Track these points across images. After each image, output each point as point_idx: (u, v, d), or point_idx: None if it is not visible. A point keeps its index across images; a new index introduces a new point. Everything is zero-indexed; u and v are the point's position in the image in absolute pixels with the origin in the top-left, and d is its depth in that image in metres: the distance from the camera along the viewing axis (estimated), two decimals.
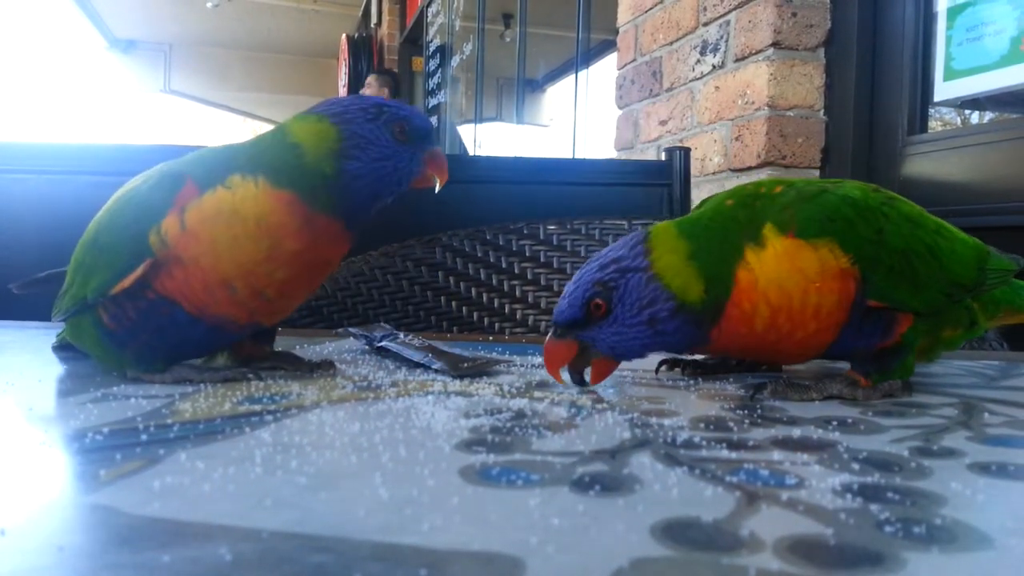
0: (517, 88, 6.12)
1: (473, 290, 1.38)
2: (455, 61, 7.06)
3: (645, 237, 0.64)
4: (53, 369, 0.74)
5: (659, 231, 0.64)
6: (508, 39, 6.19)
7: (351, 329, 0.94)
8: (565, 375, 0.65)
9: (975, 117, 2.04)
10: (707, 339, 0.63)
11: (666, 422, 0.54)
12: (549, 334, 0.65)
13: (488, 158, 1.74)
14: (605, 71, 3.99)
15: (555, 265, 1.35)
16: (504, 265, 1.37)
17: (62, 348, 0.80)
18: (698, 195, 2.07)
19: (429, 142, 0.70)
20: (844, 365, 0.68)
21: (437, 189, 0.71)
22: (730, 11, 2.26)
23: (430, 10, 7.69)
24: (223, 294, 0.65)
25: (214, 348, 0.74)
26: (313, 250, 0.67)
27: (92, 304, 0.67)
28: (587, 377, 0.66)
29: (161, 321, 0.66)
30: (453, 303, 1.37)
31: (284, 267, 0.66)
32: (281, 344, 0.90)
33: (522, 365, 0.79)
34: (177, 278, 0.64)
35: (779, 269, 0.60)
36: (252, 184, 0.65)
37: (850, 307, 0.61)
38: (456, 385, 0.67)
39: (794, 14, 2.10)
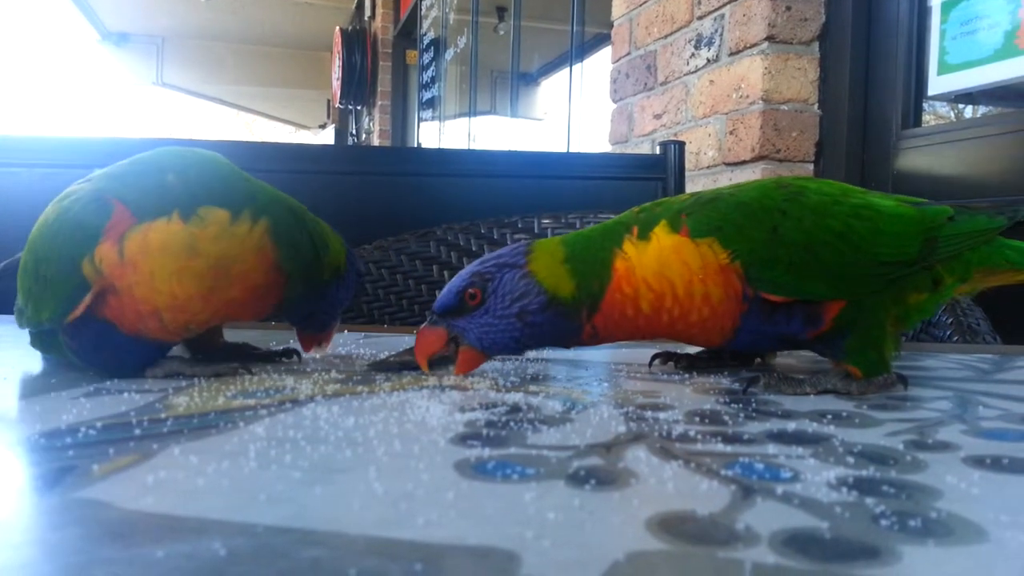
0: (511, 82, 6.11)
1: None
2: (449, 54, 7.04)
3: (529, 243, 0.69)
4: (44, 364, 0.73)
5: (543, 241, 0.69)
6: (502, 32, 6.17)
7: None
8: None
9: (969, 111, 2.04)
10: (581, 331, 0.66)
11: (661, 416, 0.54)
12: (425, 321, 0.68)
13: (482, 152, 1.74)
14: (600, 65, 3.99)
15: None
16: None
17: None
18: (692, 189, 2.07)
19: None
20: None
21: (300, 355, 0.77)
22: (724, 5, 2.25)
23: (424, 3, 7.67)
24: (153, 323, 0.65)
25: (161, 355, 0.73)
26: (253, 301, 0.69)
27: (51, 330, 0.67)
28: (451, 368, 0.69)
29: (110, 340, 0.66)
30: None
31: (214, 305, 0.66)
32: (275, 339, 0.89)
33: (516, 359, 0.79)
34: (111, 305, 0.64)
35: (659, 259, 0.64)
36: (247, 226, 0.65)
37: (740, 299, 0.64)
38: (451, 379, 0.67)
39: (788, 8, 2.10)
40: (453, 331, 0.67)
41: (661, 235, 0.65)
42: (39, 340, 0.73)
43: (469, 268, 0.68)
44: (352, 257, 0.76)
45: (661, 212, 0.67)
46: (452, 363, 0.71)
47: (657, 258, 0.64)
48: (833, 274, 0.64)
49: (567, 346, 0.71)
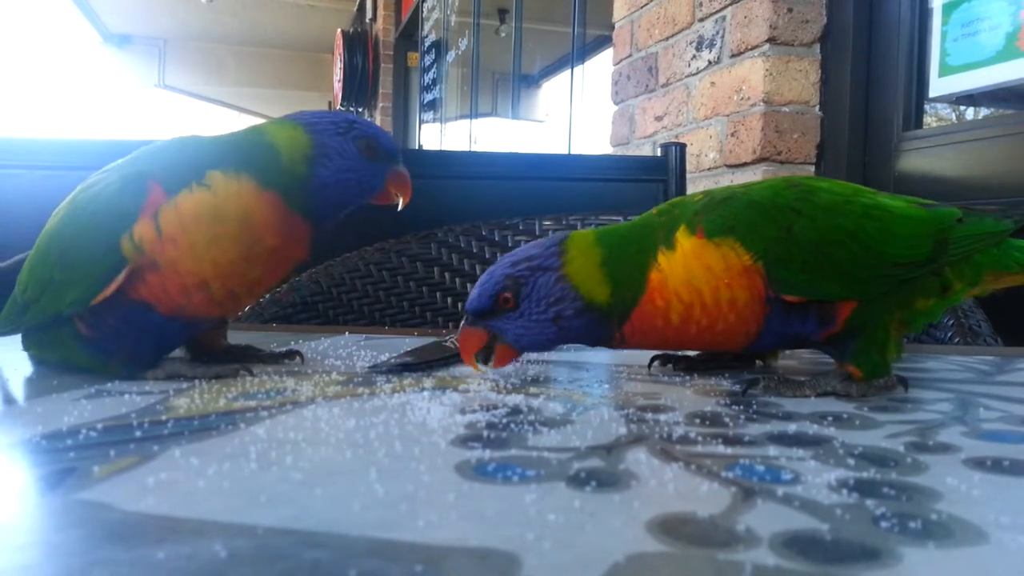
0: (513, 84, 6.11)
1: (469, 286, 1.37)
2: (451, 56, 7.04)
3: (562, 240, 0.67)
4: (45, 366, 0.73)
5: (577, 236, 0.68)
6: (503, 34, 6.17)
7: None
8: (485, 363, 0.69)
9: (970, 113, 2.04)
10: (612, 337, 0.66)
11: (662, 418, 0.54)
12: (462, 322, 0.69)
13: (484, 154, 1.74)
14: (601, 67, 3.99)
15: None
16: None
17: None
18: (693, 191, 2.07)
19: (394, 162, 0.73)
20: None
21: (400, 207, 0.74)
22: (726, 6, 2.26)
23: (425, 5, 7.67)
24: (200, 295, 0.66)
25: (182, 342, 0.75)
26: (287, 248, 0.69)
27: (67, 317, 0.67)
28: (489, 363, 0.69)
29: (139, 324, 0.66)
30: (449, 299, 1.37)
31: (260, 265, 0.68)
32: (277, 340, 0.89)
33: (517, 361, 0.79)
34: (151, 283, 0.64)
35: (688, 268, 0.63)
36: (235, 182, 0.66)
37: (764, 301, 0.63)
38: (452, 380, 0.67)
39: (790, 10, 2.10)
40: (491, 331, 0.67)
41: (683, 240, 0.64)
42: (36, 339, 0.73)
43: (500, 267, 0.67)
44: (317, 131, 0.70)
45: (679, 215, 0.67)
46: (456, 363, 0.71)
47: (684, 266, 0.64)
48: (846, 274, 0.63)
49: (596, 346, 0.71)
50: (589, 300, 0.65)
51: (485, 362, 0.68)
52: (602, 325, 0.65)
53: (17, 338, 0.84)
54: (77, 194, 0.69)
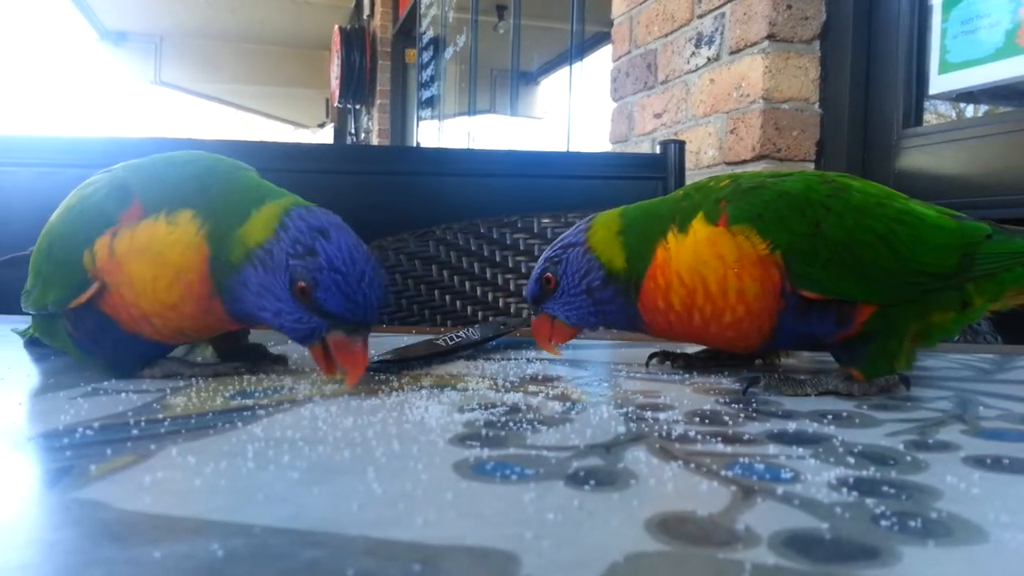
0: (511, 80, 6.11)
1: (467, 284, 1.37)
2: (448, 53, 7.03)
3: (591, 218, 0.71)
4: (42, 364, 0.73)
5: (603, 214, 0.71)
6: (502, 31, 6.16)
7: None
8: (561, 349, 0.74)
9: (970, 110, 2.04)
10: (639, 314, 0.68)
11: (661, 416, 0.54)
12: (530, 315, 0.73)
13: (482, 151, 1.74)
14: (599, 63, 3.98)
15: None
16: (498, 259, 1.37)
17: (33, 344, 0.79)
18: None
19: (339, 326, 0.59)
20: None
21: (345, 384, 0.61)
22: (725, 3, 2.25)
23: (423, 1, 7.66)
24: (146, 326, 0.63)
25: (165, 353, 0.70)
26: (206, 319, 0.63)
27: (54, 313, 0.66)
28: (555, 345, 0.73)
29: (111, 334, 0.64)
30: (447, 297, 1.37)
31: (188, 320, 0.63)
32: (275, 338, 0.89)
33: (516, 358, 0.79)
34: (108, 301, 0.62)
35: (695, 253, 0.64)
36: (185, 224, 0.60)
37: (779, 295, 0.62)
38: (450, 379, 0.67)
39: (789, 6, 2.10)
40: (549, 313, 0.72)
41: (698, 228, 0.64)
42: (41, 325, 0.72)
43: (544, 254, 0.72)
44: (282, 228, 0.59)
45: (700, 200, 0.66)
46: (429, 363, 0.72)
47: (692, 252, 0.64)
48: (870, 277, 0.62)
49: (631, 329, 0.71)
50: (609, 268, 0.67)
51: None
52: (626, 296, 0.67)
53: (15, 336, 0.84)
54: (78, 189, 0.67)
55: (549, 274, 0.70)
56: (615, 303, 0.68)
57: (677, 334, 0.69)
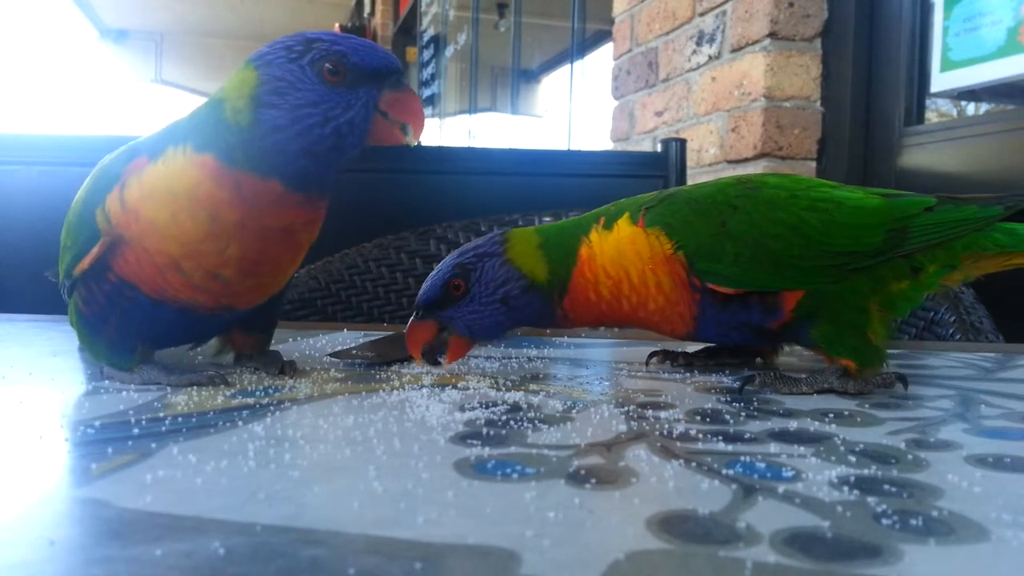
0: (512, 79, 6.10)
1: None
2: (449, 51, 7.03)
3: (503, 233, 0.73)
4: (44, 363, 0.73)
5: (517, 230, 0.74)
6: (503, 29, 6.16)
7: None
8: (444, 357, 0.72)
9: (971, 108, 2.04)
10: (555, 314, 0.71)
11: (662, 415, 0.54)
12: (412, 317, 0.71)
13: (483, 149, 1.74)
14: (601, 62, 3.98)
15: None
16: None
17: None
18: None
19: (383, 83, 0.57)
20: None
21: (412, 143, 0.59)
22: (726, 1, 2.25)
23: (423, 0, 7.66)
24: (175, 277, 0.60)
25: (194, 335, 0.70)
26: (257, 218, 0.59)
27: (71, 287, 0.65)
28: (442, 358, 0.72)
29: (125, 305, 0.62)
30: None
31: (233, 242, 0.59)
32: (274, 338, 0.89)
33: (517, 358, 0.79)
34: (130, 260, 0.60)
35: (618, 249, 0.68)
36: (181, 154, 0.59)
37: (690, 288, 0.67)
38: (451, 377, 0.67)
39: (791, 4, 2.10)
40: (442, 322, 0.71)
41: (622, 226, 0.69)
42: (70, 306, 0.70)
43: (448, 261, 0.72)
44: (265, 62, 0.58)
45: (627, 205, 0.71)
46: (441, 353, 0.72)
47: (615, 247, 0.69)
48: (784, 265, 0.65)
49: (544, 327, 0.75)
50: (532, 279, 0.70)
51: (434, 362, 0.72)
52: (546, 302, 0.70)
53: (16, 334, 0.84)
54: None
55: (458, 280, 0.70)
56: (532, 307, 0.70)
57: (610, 321, 0.72)
